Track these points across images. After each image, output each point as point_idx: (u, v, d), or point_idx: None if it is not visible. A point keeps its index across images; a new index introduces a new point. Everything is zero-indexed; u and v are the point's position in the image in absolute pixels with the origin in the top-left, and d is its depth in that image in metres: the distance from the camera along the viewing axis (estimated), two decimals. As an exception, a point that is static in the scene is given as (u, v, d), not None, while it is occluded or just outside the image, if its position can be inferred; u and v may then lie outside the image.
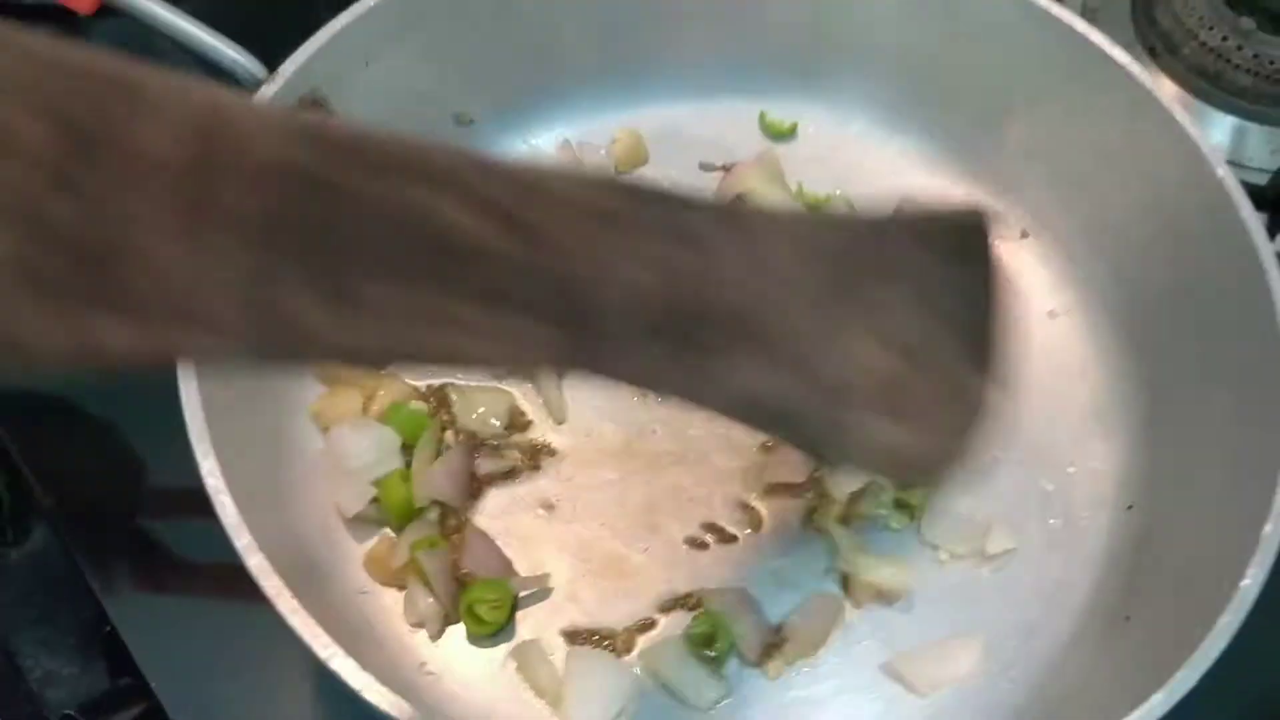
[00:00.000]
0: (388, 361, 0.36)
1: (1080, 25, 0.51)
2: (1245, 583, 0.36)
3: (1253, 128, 0.69)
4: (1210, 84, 0.69)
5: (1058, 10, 0.52)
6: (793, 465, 0.49)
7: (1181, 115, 0.49)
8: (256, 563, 0.34)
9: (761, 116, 0.59)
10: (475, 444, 0.50)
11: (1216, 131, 0.68)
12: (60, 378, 0.25)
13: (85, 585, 0.61)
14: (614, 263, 0.28)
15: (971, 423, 0.37)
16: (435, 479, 0.48)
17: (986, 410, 0.37)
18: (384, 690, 0.34)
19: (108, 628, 0.55)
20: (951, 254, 0.36)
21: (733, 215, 0.35)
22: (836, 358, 0.33)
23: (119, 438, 0.59)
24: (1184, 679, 0.35)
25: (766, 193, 0.56)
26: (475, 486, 0.49)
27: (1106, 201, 0.53)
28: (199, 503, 0.52)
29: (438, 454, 0.49)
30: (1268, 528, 0.37)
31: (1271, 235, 0.63)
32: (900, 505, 0.48)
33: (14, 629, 0.61)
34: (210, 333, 0.25)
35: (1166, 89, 0.69)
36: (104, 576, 0.54)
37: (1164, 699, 0.35)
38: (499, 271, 0.27)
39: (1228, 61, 0.68)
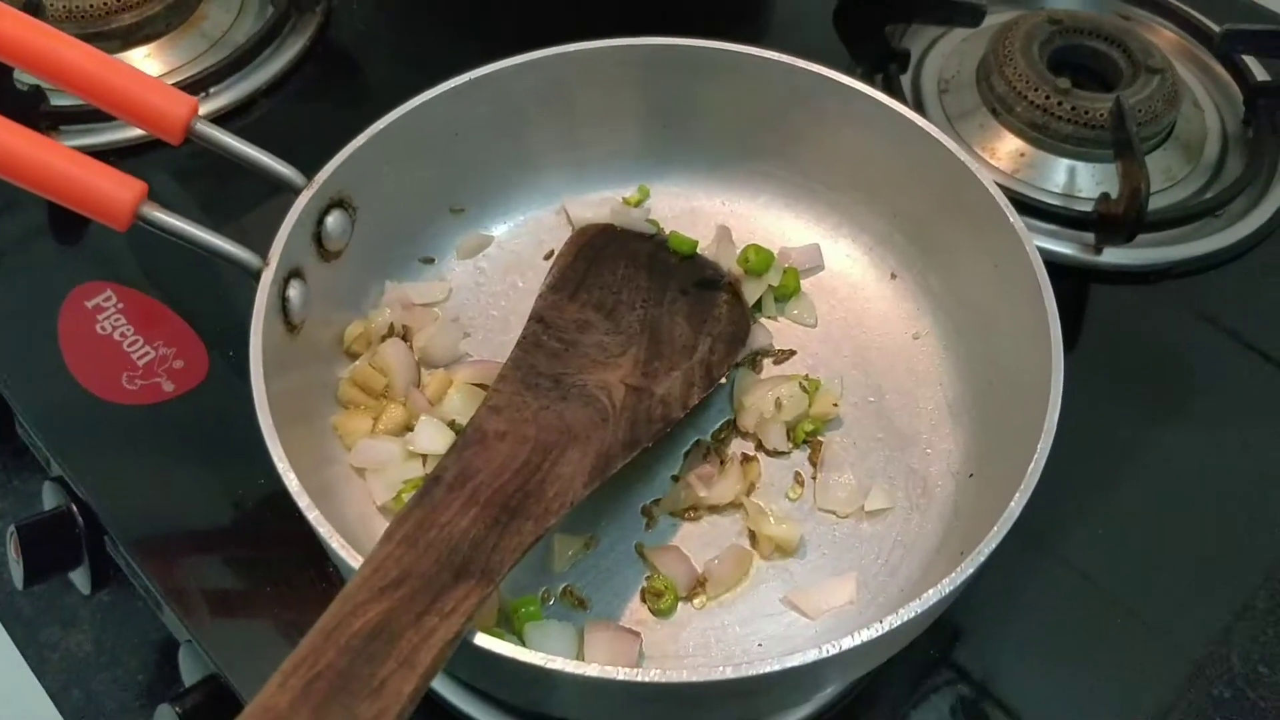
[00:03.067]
0: None
1: (909, 113, 0.66)
2: (1010, 507, 0.50)
3: (1080, 165, 0.83)
4: (1041, 134, 0.83)
5: (891, 102, 0.66)
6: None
7: (980, 171, 0.62)
8: (315, 516, 0.48)
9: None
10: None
11: (1054, 172, 0.83)
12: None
13: (155, 622, 0.72)
14: None
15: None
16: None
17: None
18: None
19: (187, 639, 0.65)
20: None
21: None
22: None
23: (184, 479, 0.69)
24: (956, 577, 0.48)
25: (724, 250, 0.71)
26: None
27: (954, 250, 0.67)
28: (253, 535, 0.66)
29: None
30: (1029, 467, 0.51)
31: (1099, 249, 0.79)
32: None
33: (91, 671, 0.74)
34: None
35: (1009, 142, 0.84)
36: (181, 598, 0.64)
37: (936, 591, 0.48)
38: None
39: (1052, 115, 0.83)
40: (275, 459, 0.50)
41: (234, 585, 0.65)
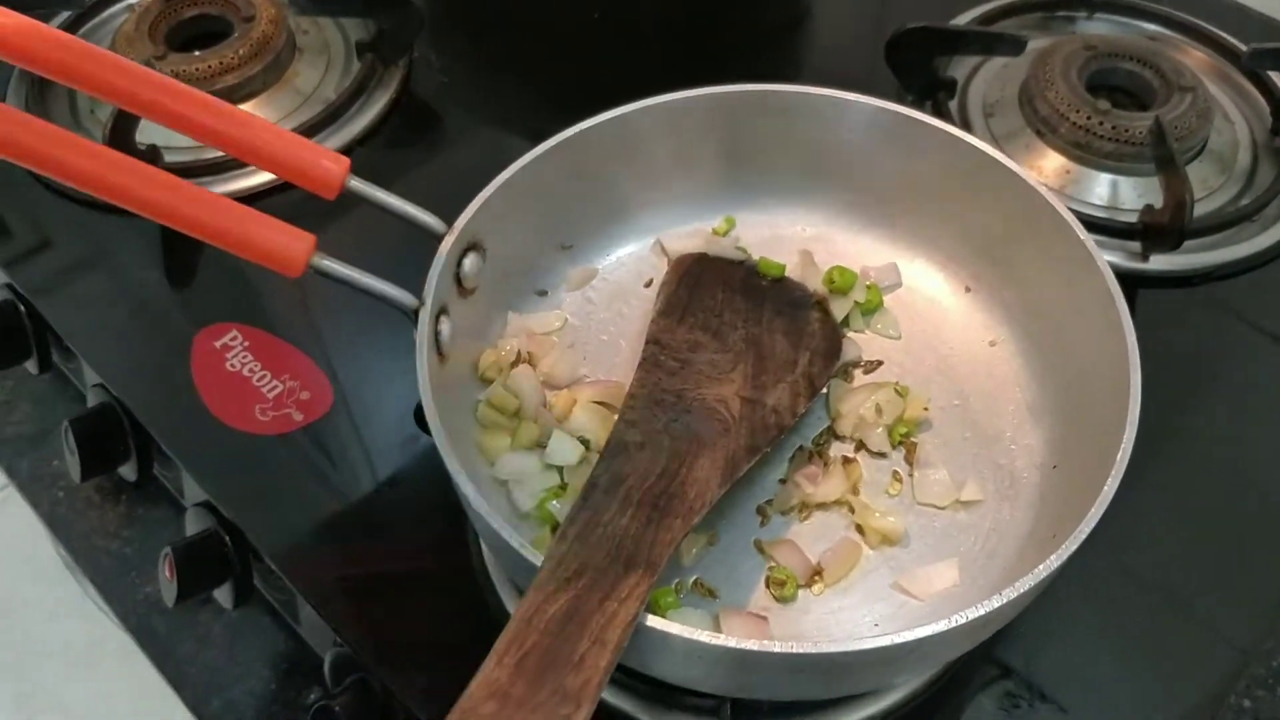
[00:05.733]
0: None
1: (979, 143, 0.72)
2: (1105, 489, 0.56)
3: (1122, 180, 0.89)
4: (1084, 152, 0.90)
5: (961, 133, 0.73)
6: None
7: (1050, 194, 0.68)
8: (497, 524, 0.55)
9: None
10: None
11: (1097, 186, 0.89)
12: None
13: (283, 634, 0.80)
14: None
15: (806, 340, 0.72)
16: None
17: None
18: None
19: (336, 644, 0.71)
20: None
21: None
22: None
23: (323, 499, 0.76)
24: (1064, 551, 0.55)
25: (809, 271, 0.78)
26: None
27: (1024, 263, 0.73)
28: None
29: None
30: (1118, 455, 0.58)
31: (1146, 256, 0.85)
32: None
33: (228, 682, 0.80)
34: None
35: (1053, 160, 0.90)
36: (330, 607, 0.70)
37: (1046, 566, 0.54)
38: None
39: (1094, 134, 0.89)
40: (452, 473, 0.57)
41: (379, 593, 0.72)
